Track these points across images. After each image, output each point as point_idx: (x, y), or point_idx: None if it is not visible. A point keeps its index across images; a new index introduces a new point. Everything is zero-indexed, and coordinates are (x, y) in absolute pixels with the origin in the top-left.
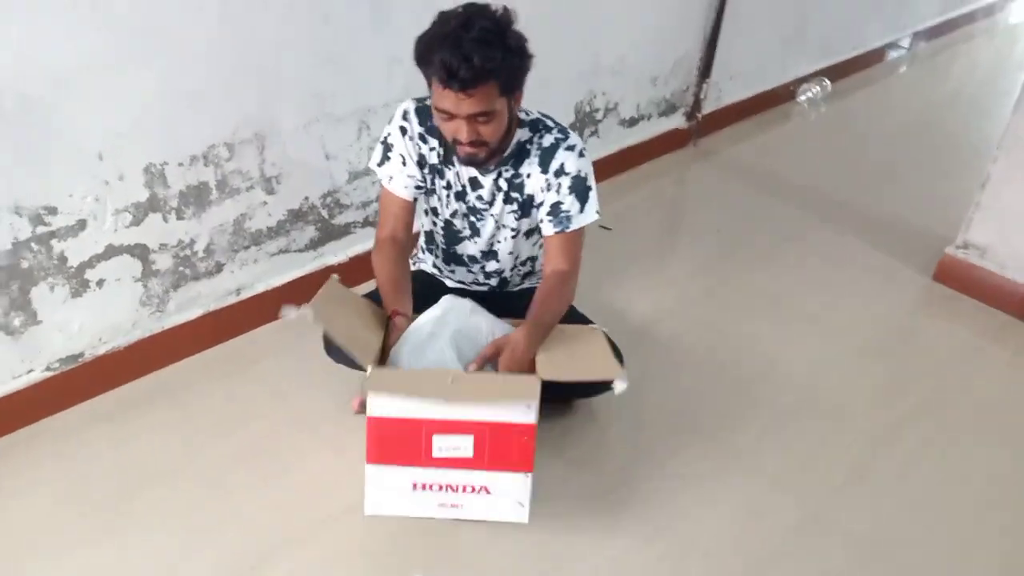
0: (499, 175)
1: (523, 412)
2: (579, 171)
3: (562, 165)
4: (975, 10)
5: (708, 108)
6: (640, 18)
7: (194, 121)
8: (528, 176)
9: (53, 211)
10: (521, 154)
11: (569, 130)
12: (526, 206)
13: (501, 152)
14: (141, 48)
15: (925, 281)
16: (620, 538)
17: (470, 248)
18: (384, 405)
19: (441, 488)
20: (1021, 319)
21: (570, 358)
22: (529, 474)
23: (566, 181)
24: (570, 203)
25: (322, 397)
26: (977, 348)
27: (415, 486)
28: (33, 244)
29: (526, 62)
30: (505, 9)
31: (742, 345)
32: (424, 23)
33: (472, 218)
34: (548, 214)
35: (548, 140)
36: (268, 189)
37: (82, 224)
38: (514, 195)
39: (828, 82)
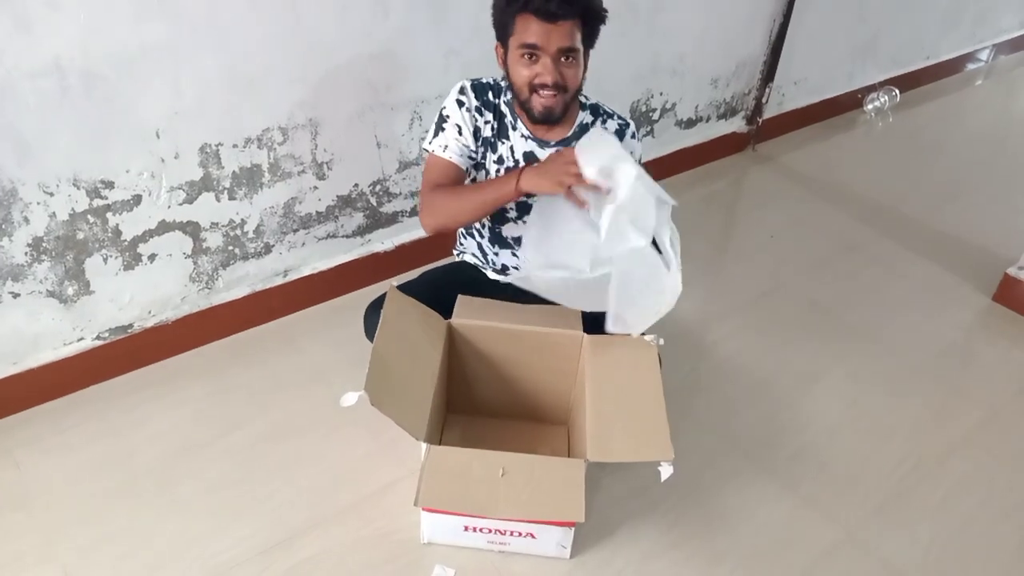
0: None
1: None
2: (640, 157)
3: (630, 153)
4: None
5: (769, 112)
6: (704, 19)
7: (250, 104)
8: None
9: (110, 185)
10: (583, 135)
11: (626, 116)
12: None
13: (571, 120)
14: (203, 33)
15: (984, 301)
16: (645, 541)
17: (515, 230)
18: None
19: (490, 531)
20: None
21: (624, 427)
22: (573, 527)
23: None
24: None
25: (361, 381)
26: None
27: (466, 528)
28: (89, 216)
29: (603, 15)
30: None
31: (787, 356)
32: (481, 19)
33: (523, 196)
34: None
35: (612, 126)
36: (319, 174)
37: (137, 199)
38: None
39: (897, 92)
